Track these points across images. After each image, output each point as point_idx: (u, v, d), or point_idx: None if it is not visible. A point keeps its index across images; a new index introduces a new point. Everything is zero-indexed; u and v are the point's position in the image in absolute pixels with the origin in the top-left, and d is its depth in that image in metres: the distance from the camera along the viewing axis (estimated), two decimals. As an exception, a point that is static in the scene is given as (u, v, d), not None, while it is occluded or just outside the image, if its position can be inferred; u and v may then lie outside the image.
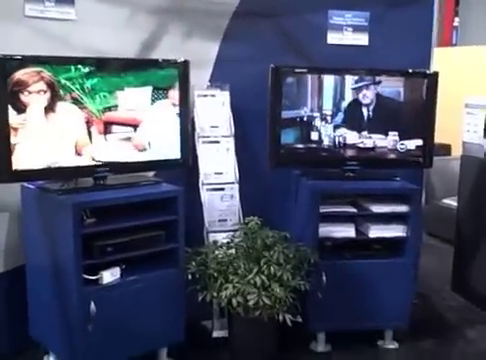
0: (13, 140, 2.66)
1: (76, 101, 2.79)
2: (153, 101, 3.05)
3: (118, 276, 2.86)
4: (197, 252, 3.11)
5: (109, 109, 2.89)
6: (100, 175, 2.94)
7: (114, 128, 2.94)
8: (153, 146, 3.07)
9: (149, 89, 3.02)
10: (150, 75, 3.02)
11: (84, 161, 2.87)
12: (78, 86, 2.77)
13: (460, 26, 9.99)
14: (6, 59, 2.62)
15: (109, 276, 2.81)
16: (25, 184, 2.91)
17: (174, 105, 3.12)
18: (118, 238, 2.81)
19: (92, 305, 2.70)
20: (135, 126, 3.01)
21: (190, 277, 3.02)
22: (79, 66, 2.77)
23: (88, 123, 2.85)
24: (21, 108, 2.66)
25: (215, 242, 3.22)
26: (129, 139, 3.00)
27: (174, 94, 3.11)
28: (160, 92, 3.06)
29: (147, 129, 3.05)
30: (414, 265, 3.40)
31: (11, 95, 2.63)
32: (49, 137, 2.77)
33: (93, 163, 2.90)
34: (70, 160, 2.83)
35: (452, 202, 5.18)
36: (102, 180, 2.95)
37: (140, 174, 3.14)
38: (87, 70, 2.79)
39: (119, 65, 2.95)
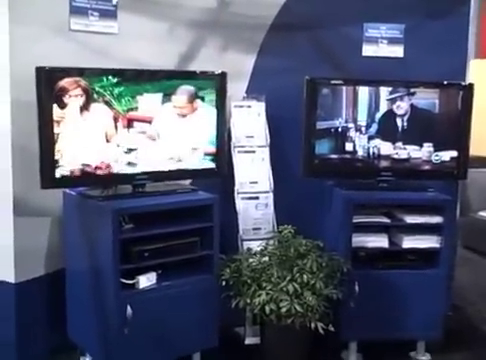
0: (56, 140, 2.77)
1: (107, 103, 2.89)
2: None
3: (154, 281, 2.93)
4: (231, 259, 3.18)
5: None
6: (139, 182, 3.03)
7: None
8: (188, 154, 3.14)
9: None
10: (185, 84, 3.09)
11: (124, 169, 2.96)
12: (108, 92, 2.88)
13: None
14: (52, 70, 2.74)
15: (145, 281, 2.89)
16: (67, 190, 3.02)
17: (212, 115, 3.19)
18: (154, 244, 2.89)
19: (128, 309, 2.78)
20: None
21: (224, 283, 3.08)
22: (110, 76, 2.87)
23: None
24: (62, 107, 2.79)
25: (249, 250, 3.28)
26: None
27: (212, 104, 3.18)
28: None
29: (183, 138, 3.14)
30: (448, 276, 3.40)
31: (56, 99, 2.76)
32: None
33: (133, 171, 2.98)
34: (109, 167, 2.92)
35: (489, 215, 5.18)
36: (141, 187, 3.04)
37: (177, 182, 3.22)
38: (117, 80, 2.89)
39: (158, 76, 3.05)
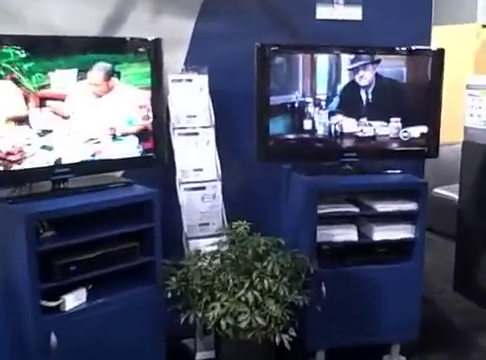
0: None
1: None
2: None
3: (84, 299, 2.39)
4: (177, 265, 2.66)
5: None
6: (59, 177, 2.46)
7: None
8: (120, 141, 2.59)
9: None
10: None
11: (40, 155, 2.38)
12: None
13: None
14: None
15: (73, 300, 2.34)
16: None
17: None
18: (83, 254, 2.35)
19: (52, 337, 2.23)
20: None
21: (170, 295, 2.57)
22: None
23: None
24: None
25: (198, 252, 2.76)
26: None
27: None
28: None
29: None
30: (422, 269, 3.00)
31: None
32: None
33: (51, 162, 2.41)
34: (22, 152, 2.33)
35: (444, 192, 4.85)
36: (62, 183, 2.47)
37: (107, 175, 2.66)
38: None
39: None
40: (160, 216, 2.55)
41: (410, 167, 3.16)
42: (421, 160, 3.45)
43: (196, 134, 3.05)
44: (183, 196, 2.99)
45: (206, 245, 2.89)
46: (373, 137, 3.01)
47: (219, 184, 3.03)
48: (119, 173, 2.81)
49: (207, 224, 3.03)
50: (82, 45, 2.48)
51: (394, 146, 3.03)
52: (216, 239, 2.86)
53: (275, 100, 2.90)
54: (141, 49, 2.62)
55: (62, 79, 2.41)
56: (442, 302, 3.67)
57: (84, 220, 2.36)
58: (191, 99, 3.06)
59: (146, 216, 2.52)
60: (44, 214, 2.25)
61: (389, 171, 3.02)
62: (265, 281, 2.53)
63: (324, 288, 2.75)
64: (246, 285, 2.52)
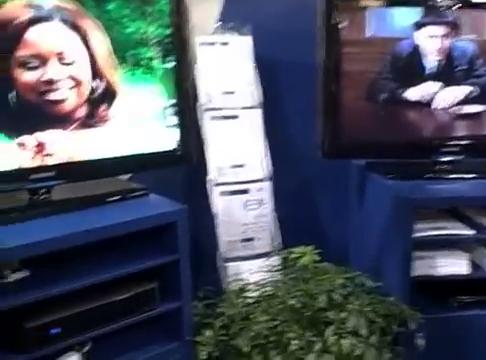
0: None
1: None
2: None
3: (77, 370, 1.58)
4: (213, 310, 1.83)
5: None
6: (40, 185, 1.64)
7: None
8: (130, 131, 1.76)
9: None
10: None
11: (9, 161, 1.56)
12: None
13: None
14: None
15: (58, 376, 1.53)
16: None
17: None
18: (73, 306, 1.53)
19: None
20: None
21: (205, 357, 1.75)
22: None
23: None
24: None
25: (241, 290, 1.93)
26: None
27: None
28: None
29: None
30: None
31: None
32: None
33: (26, 165, 1.58)
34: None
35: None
36: (44, 195, 1.65)
37: (110, 180, 1.84)
38: None
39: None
40: (188, 243, 1.72)
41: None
42: None
43: (235, 117, 2.21)
44: (218, 203, 2.16)
45: (251, 271, 2.09)
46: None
47: (268, 185, 2.20)
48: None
49: (251, 239, 2.21)
50: None
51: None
52: (264, 261, 2.07)
53: (349, 71, 2.05)
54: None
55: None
56: None
57: (75, 254, 1.54)
58: (228, 70, 2.21)
59: (168, 244, 1.70)
60: (3, 254, 1.41)
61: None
62: (344, 341, 1.70)
63: (422, 341, 1.91)
64: (316, 347, 1.69)
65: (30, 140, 1.58)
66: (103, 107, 1.70)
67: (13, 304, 1.41)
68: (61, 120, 1.62)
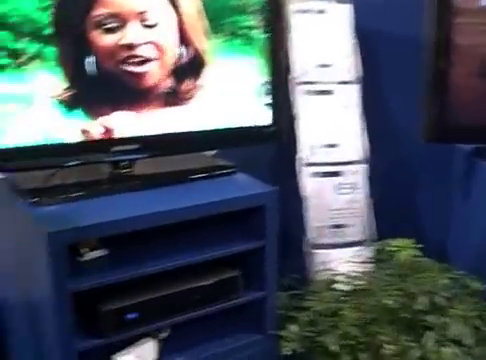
0: None
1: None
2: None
3: (155, 356, 1.48)
4: (301, 304, 1.69)
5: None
6: (123, 158, 1.53)
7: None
8: (218, 104, 1.61)
9: None
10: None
11: (93, 130, 1.45)
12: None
13: None
14: None
15: (132, 364, 1.44)
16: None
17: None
18: (152, 291, 1.42)
19: None
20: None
21: (288, 352, 1.61)
22: None
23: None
24: None
25: (330, 282, 1.77)
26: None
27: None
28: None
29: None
30: None
31: None
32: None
33: (108, 135, 1.47)
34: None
35: None
36: (126, 169, 1.54)
37: (195, 155, 1.71)
38: None
39: None
40: (276, 229, 1.57)
41: None
42: None
43: (330, 92, 2.03)
44: (308, 184, 2.00)
45: (340, 260, 1.93)
46: None
47: (363, 168, 2.02)
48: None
49: (342, 226, 2.04)
50: None
51: None
52: (355, 250, 1.90)
53: (461, 44, 1.82)
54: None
55: None
56: None
57: (156, 234, 1.42)
58: (324, 41, 2.03)
59: (255, 229, 1.56)
60: (82, 231, 1.30)
61: None
62: (445, 350, 1.51)
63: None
64: (414, 354, 1.51)
65: (110, 114, 1.47)
66: (190, 80, 1.56)
67: (89, 285, 1.31)
68: (143, 94, 1.49)
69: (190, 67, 1.55)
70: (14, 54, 1.32)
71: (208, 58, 1.56)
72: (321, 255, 2.00)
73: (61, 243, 1.23)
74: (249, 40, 1.60)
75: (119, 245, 1.40)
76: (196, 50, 1.55)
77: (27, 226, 1.37)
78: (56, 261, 1.24)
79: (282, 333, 1.61)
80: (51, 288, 1.24)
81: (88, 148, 1.46)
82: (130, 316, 1.37)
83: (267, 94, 1.68)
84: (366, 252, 1.94)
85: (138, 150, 1.52)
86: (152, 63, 1.48)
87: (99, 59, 1.41)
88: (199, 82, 1.57)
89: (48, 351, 1.35)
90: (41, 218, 1.32)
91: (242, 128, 1.65)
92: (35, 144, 1.38)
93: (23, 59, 1.33)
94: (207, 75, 1.57)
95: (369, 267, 1.85)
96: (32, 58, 1.34)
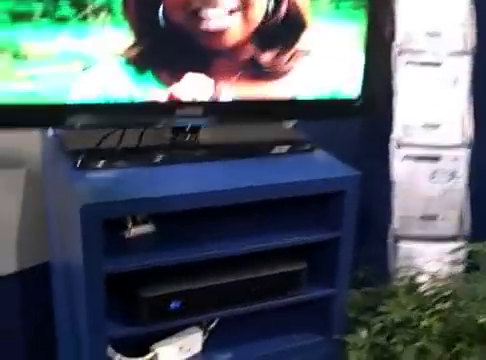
0: None
1: None
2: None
3: (198, 350, 1.32)
4: (375, 305, 1.47)
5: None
6: (184, 123, 1.34)
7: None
8: (306, 71, 1.38)
9: None
10: None
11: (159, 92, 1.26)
12: None
13: None
14: None
15: (174, 355, 1.28)
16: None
17: None
18: (200, 279, 1.24)
19: None
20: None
21: (355, 361, 1.40)
22: None
23: None
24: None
25: (412, 278, 1.54)
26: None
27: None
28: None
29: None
30: None
31: None
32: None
33: (174, 97, 1.28)
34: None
35: None
36: (189, 135, 1.36)
37: (271, 126, 1.50)
38: None
39: None
40: (355, 219, 1.35)
41: None
42: None
43: (438, 64, 1.75)
44: (399, 168, 1.76)
45: (427, 257, 1.69)
46: None
47: (466, 154, 1.75)
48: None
49: (434, 218, 1.78)
50: None
51: None
52: (445, 247, 1.66)
53: None
54: None
55: None
56: None
57: (215, 214, 1.24)
58: (437, 5, 1.75)
59: (330, 217, 1.34)
60: (123, 206, 1.13)
61: None
62: None
63: None
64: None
65: (179, 75, 1.27)
66: (278, 43, 1.32)
67: (128, 268, 1.15)
68: (219, 55, 1.27)
69: (281, 28, 1.31)
70: (78, 4, 1.14)
71: (307, 19, 1.31)
72: (405, 249, 1.77)
73: (96, 217, 1.07)
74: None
75: (169, 221, 1.23)
76: (294, 7, 1.31)
77: (67, 192, 1.22)
78: (89, 238, 1.08)
79: (350, 339, 1.40)
80: (82, 267, 1.09)
81: (151, 109, 1.28)
82: (173, 305, 1.20)
83: (361, 62, 1.44)
84: (459, 251, 1.68)
85: (203, 114, 1.33)
86: (232, 20, 1.25)
87: (168, 9, 1.20)
88: (290, 48, 1.33)
89: (81, 334, 1.21)
90: (80, 185, 1.16)
91: (326, 99, 1.42)
92: (95, 102, 1.21)
93: (88, 11, 1.16)
94: (303, 39, 1.33)
95: (461, 270, 1.60)
96: (98, 10, 1.16)
